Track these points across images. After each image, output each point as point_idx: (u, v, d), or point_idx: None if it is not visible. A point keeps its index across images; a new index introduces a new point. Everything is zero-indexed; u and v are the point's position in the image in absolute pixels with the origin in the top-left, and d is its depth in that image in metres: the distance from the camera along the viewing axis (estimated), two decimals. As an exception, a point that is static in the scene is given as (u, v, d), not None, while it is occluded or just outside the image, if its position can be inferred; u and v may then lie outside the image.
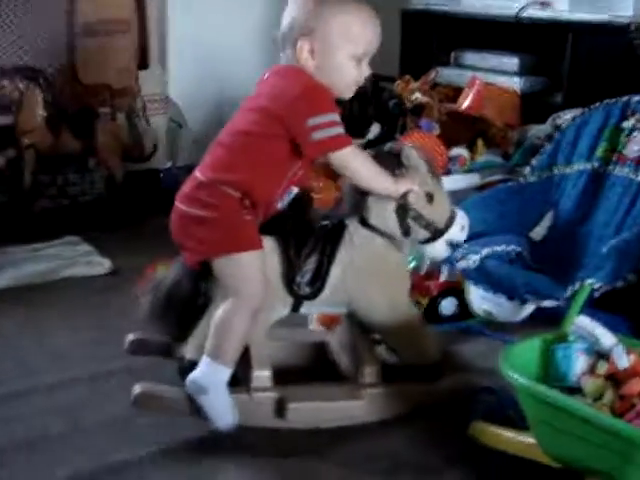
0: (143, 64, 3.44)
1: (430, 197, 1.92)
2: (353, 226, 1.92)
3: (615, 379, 1.58)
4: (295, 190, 1.89)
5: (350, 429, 1.89)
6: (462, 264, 2.17)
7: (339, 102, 1.97)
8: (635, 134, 2.31)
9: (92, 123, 3.20)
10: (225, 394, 1.80)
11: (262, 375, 1.88)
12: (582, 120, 2.43)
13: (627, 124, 2.34)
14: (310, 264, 1.87)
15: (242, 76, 4.09)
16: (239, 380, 1.90)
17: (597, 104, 2.42)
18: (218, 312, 1.80)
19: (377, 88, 3.93)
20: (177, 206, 1.83)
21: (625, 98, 2.37)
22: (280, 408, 1.86)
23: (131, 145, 3.41)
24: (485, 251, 2.16)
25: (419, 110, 2.91)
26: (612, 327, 1.67)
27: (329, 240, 1.89)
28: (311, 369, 2.10)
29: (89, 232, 3.09)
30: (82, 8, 3.24)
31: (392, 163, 1.88)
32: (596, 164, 2.38)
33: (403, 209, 1.90)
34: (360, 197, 1.91)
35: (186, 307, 1.86)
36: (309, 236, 1.89)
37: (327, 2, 1.78)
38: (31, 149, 3.08)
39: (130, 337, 2.09)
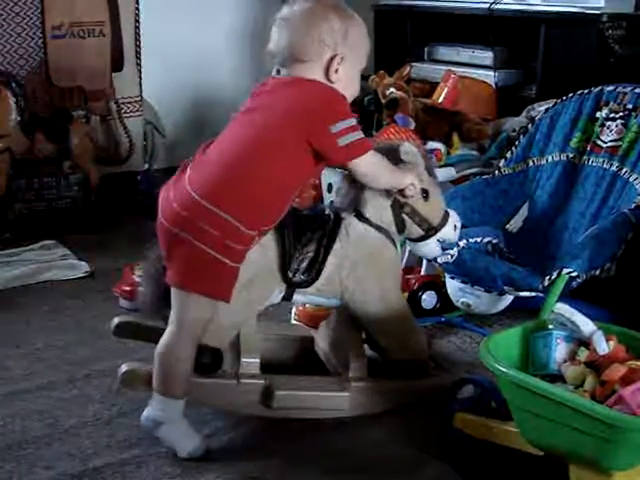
0: (117, 66, 3.42)
1: (426, 194, 1.93)
2: (349, 220, 1.92)
3: (595, 365, 1.59)
4: None
5: (332, 423, 1.89)
6: (440, 259, 2.18)
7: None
8: (609, 124, 2.33)
9: (66, 126, 3.17)
10: (182, 424, 1.76)
11: (250, 362, 1.88)
12: (555, 111, 2.45)
13: (600, 114, 2.36)
14: (307, 253, 1.87)
15: (216, 77, 4.10)
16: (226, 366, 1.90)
17: (570, 95, 2.44)
18: (160, 344, 1.75)
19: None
20: (164, 223, 1.71)
21: (598, 88, 2.39)
22: (267, 395, 1.86)
23: (107, 148, 3.40)
24: (462, 243, 2.17)
25: (394, 105, 2.91)
26: (592, 317, 1.68)
27: (326, 231, 1.89)
28: (297, 363, 2.10)
29: (66, 235, 3.07)
30: (54, 11, 3.22)
31: (391, 159, 1.87)
32: (571, 154, 2.40)
33: (399, 204, 1.91)
34: (356, 191, 1.91)
35: None
36: (306, 226, 1.89)
37: (346, 19, 1.79)
38: (6, 154, 3.05)
39: (116, 320, 2.06)
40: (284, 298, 1.92)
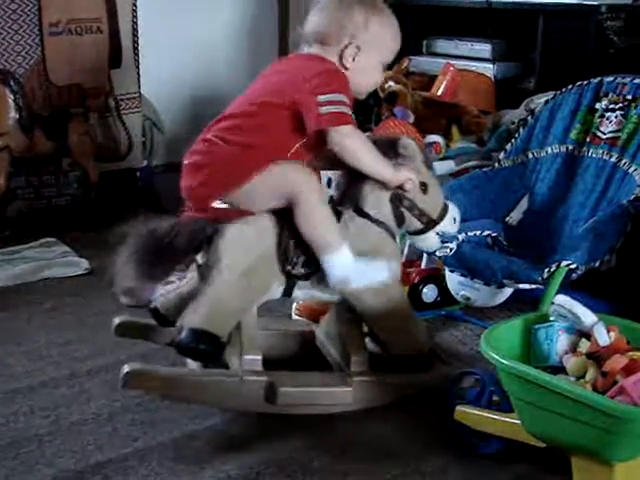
0: (115, 63, 3.41)
1: (425, 187, 1.93)
2: (348, 214, 1.92)
3: (597, 357, 1.59)
4: None
5: (335, 416, 1.89)
6: (439, 252, 2.17)
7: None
8: (608, 115, 2.33)
9: (65, 124, 3.17)
10: (359, 264, 1.86)
11: (253, 359, 1.87)
12: (555, 103, 2.45)
13: (600, 105, 2.35)
14: (306, 246, 1.86)
15: (214, 73, 4.10)
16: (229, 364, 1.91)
17: (569, 86, 2.43)
18: (299, 225, 1.82)
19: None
20: (189, 163, 1.87)
21: (597, 79, 2.38)
22: (270, 392, 1.86)
23: (105, 145, 3.39)
24: (461, 237, 2.16)
25: (393, 98, 2.90)
26: (593, 308, 1.68)
27: None
28: (298, 358, 2.10)
29: (66, 233, 3.07)
30: (51, 8, 3.21)
31: (389, 152, 1.89)
32: (570, 146, 2.39)
33: (398, 198, 1.91)
34: (355, 186, 1.92)
35: (173, 261, 1.87)
36: None
37: (370, 11, 1.90)
38: (4, 152, 3.04)
39: (117, 320, 2.08)
40: (284, 294, 1.92)
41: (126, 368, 1.82)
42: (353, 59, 1.88)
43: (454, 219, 1.98)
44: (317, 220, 1.84)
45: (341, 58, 1.88)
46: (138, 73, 3.50)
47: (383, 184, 1.90)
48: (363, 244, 1.91)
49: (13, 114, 3.02)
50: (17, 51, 3.17)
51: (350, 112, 1.82)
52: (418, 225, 1.95)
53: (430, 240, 1.98)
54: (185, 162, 1.89)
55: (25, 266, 2.78)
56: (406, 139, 1.92)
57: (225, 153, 1.83)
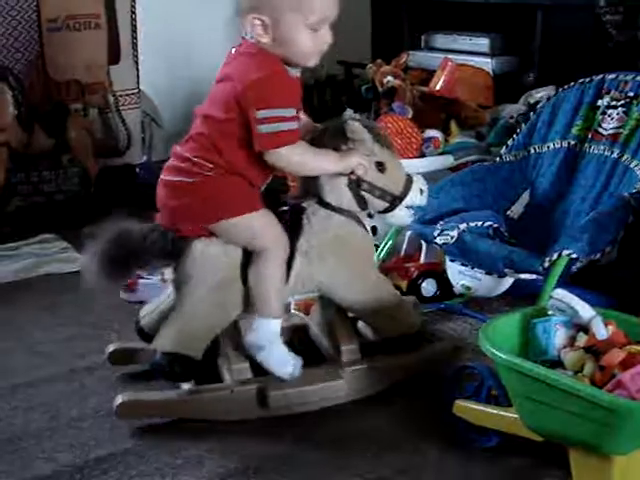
0: (114, 59, 3.41)
1: (381, 166, 1.90)
2: (311, 208, 1.89)
3: (594, 350, 1.59)
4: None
5: (331, 410, 1.90)
6: (440, 240, 2.18)
7: (312, 89, 1.96)
8: (610, 111, 2.34)
9: (64, 120, 3.17)
10: (280, 345, 1.85)
11: (241, 367, 1.88)
12: (557, 99, 2.46)
13: (602, 102, 2.36)
14: None
15: (213, 69, 4.09)
16: (219, 375, 1.91)
17: (572, 83, 2.45)
18: (252, 273, 1.81)
19: (350, 75, 3.94)
20: (171, 181, 1.81)
21: (599, 76, 2.40)
22: (262, 398, 1.86)
23: (105, 140, 3.39)
24: (462, 226, 2.17)
25: (392, 94, 2.91)
26: (591, 302, 1.68)
27: (288, 230, 1.86)
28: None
29: (65, 229, 3.06)
30: (50, 4, 3.21)
31: (341, 138, 1.85)
32: (572, 142, 2.40)
33: (355, 183, 1.88)
34: (312, 177, 1.89)
35: (138, 266, 1.88)
36: None
37: None
38: (3, 147, 3.04)
39: (110, 348, 2.08)
40: None
41: (119, 399, 1.82)
42: (265, 32, 1.72)
43: (421, 190, 1.94)
44: (267, 280, 1.81)
45: (254, 34, 1.73)
46: (137, 69, 3.50)
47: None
48: (327, 236, 1.88)
49: (12, 110, 3.02)
50: (16, 47, 3.18)
51: (292, 126, 1.73)
52: (383, 204, 1.92)
53: (399, 216, 1.95)
54: (164, 177, 1.83)
55: (24, 262, 2.79)
56: (353, 123, 1.85)
57: (205, 180, 1.77)
